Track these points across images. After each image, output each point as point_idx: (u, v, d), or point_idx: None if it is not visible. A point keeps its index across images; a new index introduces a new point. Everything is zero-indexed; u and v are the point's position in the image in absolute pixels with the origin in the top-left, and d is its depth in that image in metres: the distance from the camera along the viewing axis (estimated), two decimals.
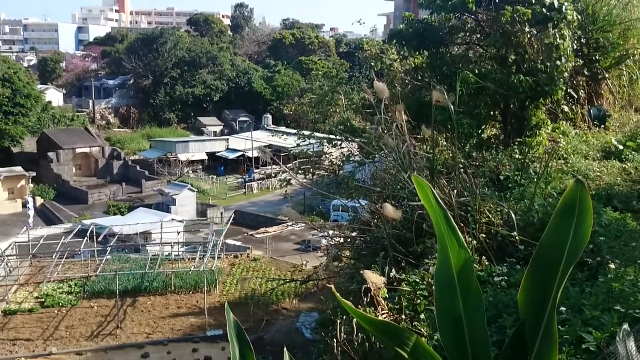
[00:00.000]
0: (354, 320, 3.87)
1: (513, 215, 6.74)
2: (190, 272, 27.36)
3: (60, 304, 26.51)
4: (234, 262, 32.84)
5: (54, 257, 28.63)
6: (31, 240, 31.59)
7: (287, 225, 40.98)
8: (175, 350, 22.72)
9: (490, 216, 6.97)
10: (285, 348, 2.50)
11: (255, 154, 52.46)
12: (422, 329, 4.78)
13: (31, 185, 52.64)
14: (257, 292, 28.44)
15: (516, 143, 11.76)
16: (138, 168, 57.32)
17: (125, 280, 27.59)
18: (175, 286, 28.15)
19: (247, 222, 42.92)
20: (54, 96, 72.03)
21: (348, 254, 7.99)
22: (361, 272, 5.38)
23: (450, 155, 10.35)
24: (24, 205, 44.83)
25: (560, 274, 2.43)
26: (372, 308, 5.90)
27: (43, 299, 26.88)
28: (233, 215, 38.98)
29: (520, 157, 10.38)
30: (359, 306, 6.01)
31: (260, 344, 21.70)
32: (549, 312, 2.21)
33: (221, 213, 42.65)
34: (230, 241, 35.80)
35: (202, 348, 22.87)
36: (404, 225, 7.21)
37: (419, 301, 5.62)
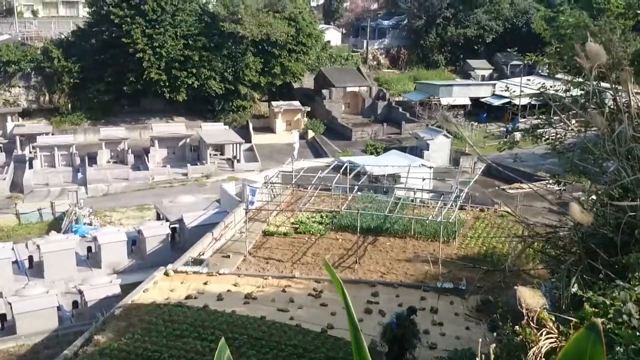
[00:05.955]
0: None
1: None
2: (427, 220, 27.23)
3: (311, 232, 28.92)
4: (478, 216, 31.71)
5: (308, 188, 31.19)
6: (295, 170, 34.81)
7: (547, 182, 37.87)
8: (404, 295, 23.04)
9: None
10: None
11: (525, 101, 49.05)
12: None
13: (306, 119, 57.84)
14: (497, 251, 27.18)
15: None
16: (400, 110, 58.53)
17: (368, 219, 28.80)
18: (414, 231, 28.40)
19: (500, 175, 40.85)
20: (333, 36, 76.81)
21: (537, 247, 6.73)
22: (515, 287, 4.43)
23: None
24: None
25: None
26: (537, 329, 4.87)
27: (297, 226, 29.64)
28: (484, 167, 37.38)
29: None
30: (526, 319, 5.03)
31: (488, 307, 20.75)
32: None
33: (474, 163, 41.31)
34: (478, 193, 34.57)
35: (430, 298, 22.76)
36: (615, 226, 5.81)
37: None
